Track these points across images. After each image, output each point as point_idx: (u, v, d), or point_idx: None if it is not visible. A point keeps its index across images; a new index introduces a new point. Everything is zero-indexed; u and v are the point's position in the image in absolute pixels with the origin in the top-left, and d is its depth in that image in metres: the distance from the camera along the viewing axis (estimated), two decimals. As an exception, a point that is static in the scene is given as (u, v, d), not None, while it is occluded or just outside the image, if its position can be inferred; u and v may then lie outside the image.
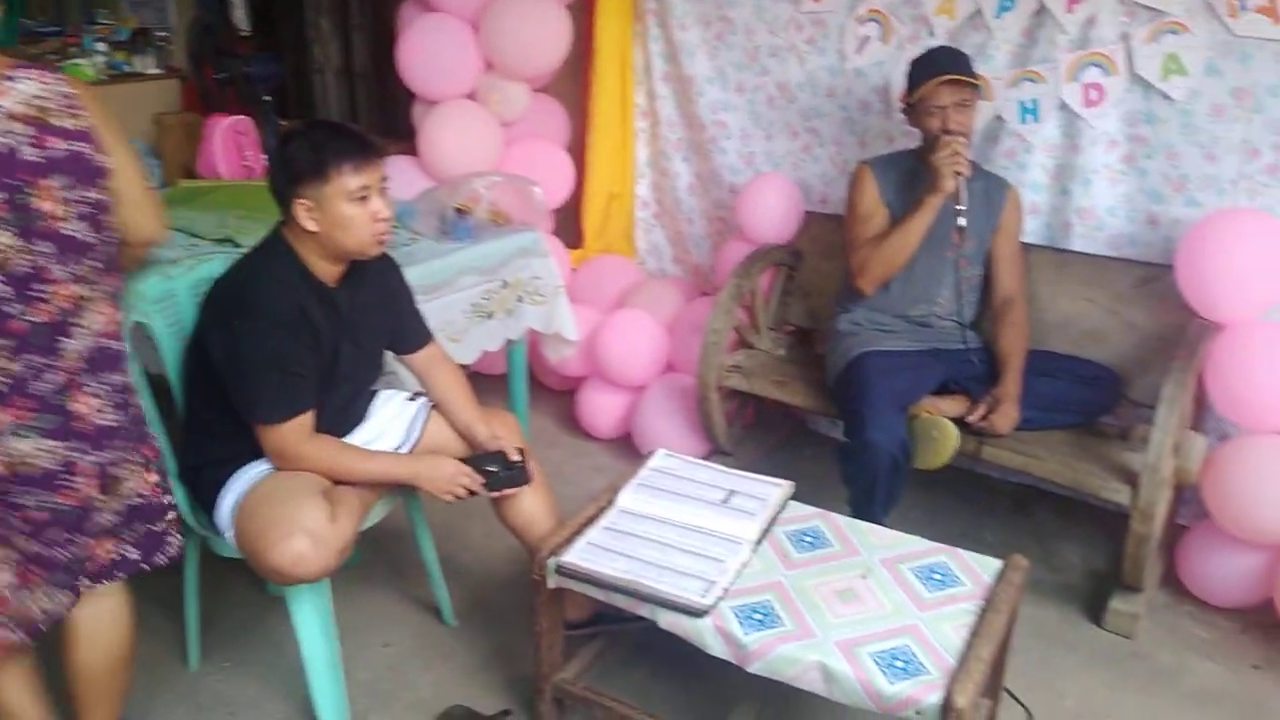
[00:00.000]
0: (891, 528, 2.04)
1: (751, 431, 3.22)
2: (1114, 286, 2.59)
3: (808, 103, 3.15)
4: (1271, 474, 2.25)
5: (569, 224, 3.63)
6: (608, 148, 3.51)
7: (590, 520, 1.98)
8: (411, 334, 2.15)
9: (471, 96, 3.42)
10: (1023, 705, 2.08)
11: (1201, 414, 2.50)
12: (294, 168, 1.82)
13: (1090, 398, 2.48)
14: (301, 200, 1.82)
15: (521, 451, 2.06)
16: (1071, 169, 2.69)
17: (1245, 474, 2.28)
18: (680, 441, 2.97)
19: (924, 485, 2.62)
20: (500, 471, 2.02)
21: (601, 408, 3.21)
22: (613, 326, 3.11)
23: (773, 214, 3.05)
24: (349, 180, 1.81)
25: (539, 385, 3.48)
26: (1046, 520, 2.83)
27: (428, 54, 3.34)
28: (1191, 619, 2.43)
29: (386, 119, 4.52)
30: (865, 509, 2.34)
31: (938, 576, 1.86)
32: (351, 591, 2.43)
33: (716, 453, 3.01)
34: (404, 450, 2.08)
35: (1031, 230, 2.73)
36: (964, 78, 2.41)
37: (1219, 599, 2.43)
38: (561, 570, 1.85)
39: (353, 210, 1.83)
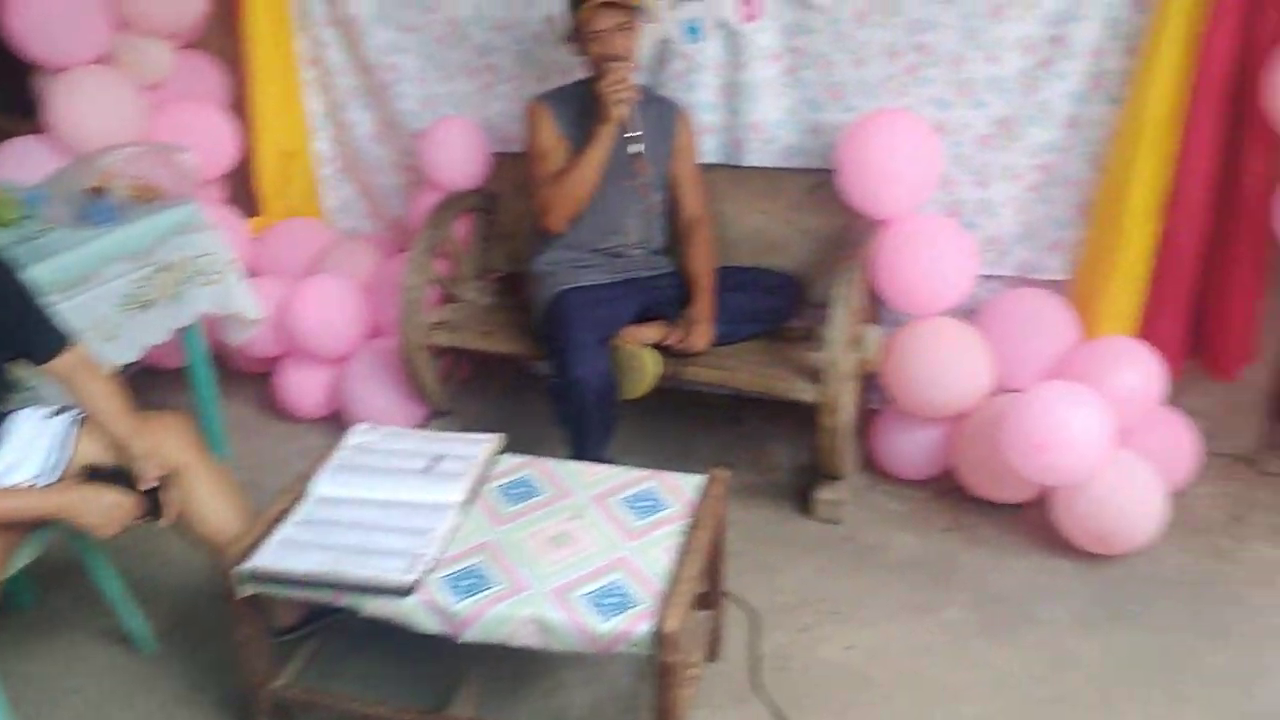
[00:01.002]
0: (614, 458, 2.04)
1: (470, 385, 3.13)
2: (788, 197, 2.70)
3: (481, 38, 3.02)
4: (940, 353, 2.46)
5: (243, 190, 3.33)
6: (273, 103, 3.23)
7: (281, 515, 1.83)
8: (40, 341, 1.87)
9: (104, 60, 3.02)
10: (745, 606, 2.17)
11: (876, 307, 2.68)
12: None
13: (775, 305, 2.59)
14: None
15: (161, 481, 1.83)
16: (738, 86, 2.74)
17: (918, 357, 2.47)
18: (394, 409, 2.84)
19: (642, 411, 2.64)
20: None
21: (303, 386, 2.99)
22: (303, 296, 2.89)
23: (458, 159, 2.93)
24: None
25: (230, 371, 3.16)
26: (756, 426, 2.96)
27: (43, 13, 2.89)
28: (889, 496, 2.63)
29: (8, 94, 3.92)
30: (582, 446, 2.34)
31: (646, 503, 1.89)
32: (26, 640, 2.15)
33: (435, 415, 2.91)
34: (50, 476, 1.82)
35: (708, 149, 2.79)
36: (620, 0, 2.38)
37: (909, 473, 2.65)
38: (253, 576, 1.71)
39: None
